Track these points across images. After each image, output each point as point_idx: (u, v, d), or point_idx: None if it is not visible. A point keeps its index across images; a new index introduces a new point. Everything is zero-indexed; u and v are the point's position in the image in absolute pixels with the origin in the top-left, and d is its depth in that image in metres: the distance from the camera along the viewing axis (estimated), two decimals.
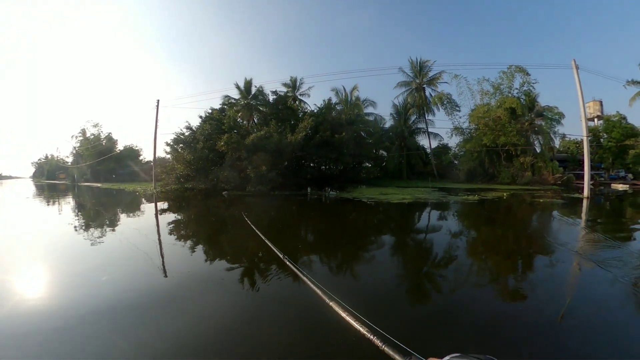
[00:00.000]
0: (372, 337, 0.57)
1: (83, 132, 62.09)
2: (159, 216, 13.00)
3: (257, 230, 5.81)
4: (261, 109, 29.01)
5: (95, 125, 61.13)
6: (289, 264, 3.12)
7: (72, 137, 63.91)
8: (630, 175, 43.59)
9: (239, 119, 28.69)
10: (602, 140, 46.43)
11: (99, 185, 45.23)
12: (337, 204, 16.86)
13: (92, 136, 60.32)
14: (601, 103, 57.65)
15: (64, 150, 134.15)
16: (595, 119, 54.20)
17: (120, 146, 60.45)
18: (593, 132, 42.95)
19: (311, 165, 28.41)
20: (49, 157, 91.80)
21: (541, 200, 18.35)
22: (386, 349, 0.51)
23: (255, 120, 30.10)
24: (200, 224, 11.22)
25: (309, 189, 23.63)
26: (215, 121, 26.24)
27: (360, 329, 0.65)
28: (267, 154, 21.82)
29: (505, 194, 21.50)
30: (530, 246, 7.43)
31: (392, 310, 3.78)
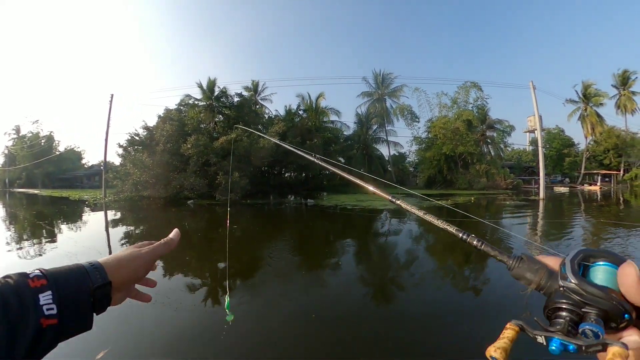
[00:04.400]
0: (464, 236, 0.50)
1: (17, 129, 55.61)
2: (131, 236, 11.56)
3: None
4: (225, 111, 27.53)
5: (34, 122, 54.51)
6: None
7: (4, 134, 56.98)
8: (567, 180, 50.80)
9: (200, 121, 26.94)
10: (544, 149, 52.42)
11: (36, 192, 40.49)
12: (333, 213, 16.12)
13: (30, 134, 53.89)
14: (540, 117, 64.28)
15: None
16: (535, 131, 60.16)
17: (61, 147, 54.68)
18: (535, 143, 47.91)
19: (281, 172, 27.58)
20: None
21: (507, 202, 19.73)
22: (485, 249, 0.44)
23: (215, 123, 28.49)
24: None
25: (292, 197, 23.00)
26: (176, 122, 24.33)
27: (448, 228, 0.53)
28: (237, 159, 20.65)
29: (472, 198, 22.81)
30: None
31: None
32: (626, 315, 0.35)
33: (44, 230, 11.34)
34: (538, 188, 24.53)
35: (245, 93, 32.06)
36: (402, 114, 41.78)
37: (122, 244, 9.05)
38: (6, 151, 57.22)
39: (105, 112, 29.27)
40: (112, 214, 16.45)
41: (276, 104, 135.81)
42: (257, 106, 34.70)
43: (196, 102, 27.51)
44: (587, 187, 40.59)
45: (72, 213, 17.52)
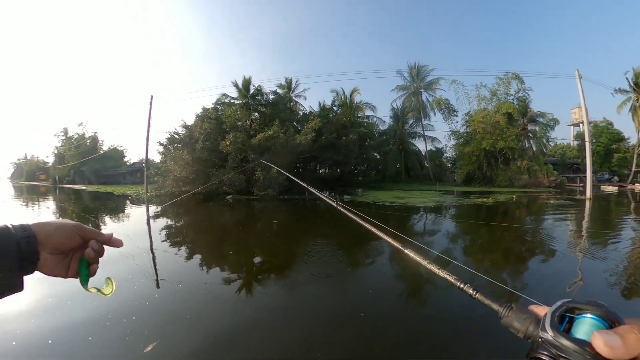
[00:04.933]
0: (462, 285, 0.52)
1: (65, 131, 59.40)
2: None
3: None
4: (261, 109, 27.82)
5: (80, 124, 58.23)
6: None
7: (54, 135, 61.23)
8: (615, 178, 46.16)
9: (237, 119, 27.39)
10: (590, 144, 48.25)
11: (83, 187, 42.81)
12: (372, 210, 15.44)
13: (76, 135, 57.48)
14: (587, 109, 59.76)
15: (45, 150, 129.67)
16: (581, 125, 56.03)
17: (105, 147, 57.79)
18: (581, 137, 44.45)
19: (315, 168, 27.49)
20: (29, 157, 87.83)
21: (551, 202, 18.53)
22: (479, 297, 0.46)
23: (252, 121, 28.82)
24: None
25: (326, 193, 22.75)
26: (214, 120, 24.84)
27: (448, 277, 0.56)
28: (274, 156, 20.71)
29: (514, 196, 21.64)
30: None
31: None
32: None
33: (93, 223, 11.75)
34: (584, 186, 22.39)
35: (279, 91, 32.27)
36: (439, 108, 39.99)
37: (163, 234, 9.18)
38: (56, 151, 61.58)
39: (146, 112, 30.35)
40: (153, 208, 16.95)
41: (310, 101, 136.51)
42: (291, 103, 34.75)
43: (232, 101, 27.98)
44: (638, 187, 36.68)
45: (116, 207, 18.16)
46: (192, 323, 3.54)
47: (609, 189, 34.04)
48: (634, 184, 40.05)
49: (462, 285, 0.55)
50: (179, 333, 3.28)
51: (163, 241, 8.22)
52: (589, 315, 0.39)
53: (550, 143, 42.90)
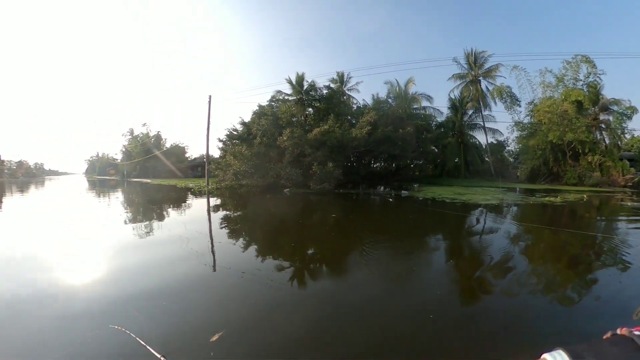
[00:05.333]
0: None
1: (131, 131, 65.22)
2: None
3: None
4: (315, 104, 28.01)
5: (144, 125, 64.76)
6: None
7: (122, 135, 67.51)
8: None
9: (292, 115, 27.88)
10: None
11: (148, 181, 46.20)
12: (433, 207, 14.76)
13: (141, 134, 62.90)
14: None
15: (114, 148, 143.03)
16: None
17: (167, 144, 62.72)
18: None
19: (369, 162, 27.14)
20: (100, 154, 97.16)
21: (629, 204, 16.34)
22: None
23: (306, 116, 29.14)
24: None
25: (381, 188, 22.54)
26: (270, 116, 25.51)
27: None
28: (330, 150, 20.75)
29: (585, 196, 19.47)
30: None
31: None
32: None
33: (157, 214, 12.53)
34: None
35: (332, 85, 32.21)
36: (500, 96, 36.67)
37: (225, 225, 9.48)
38: (124, 149, 67.78)
39: (205, 111, 31.86)
40: (219, 200, 17.66)
41: (363, 94, 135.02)
42: (344, 97, 34.54)
43: (287, 97, 28.45)
44: None
45: (181, 198, 19.16)
46: (258, 311, 3.56)
47: None
48: None
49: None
50: (247, 322, 3.29)
51: (231, 232, 8.48)
52: None
53: (625, 135, 36.88)
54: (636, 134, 43.78)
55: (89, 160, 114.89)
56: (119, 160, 74.24)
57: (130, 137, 65.40)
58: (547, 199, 17.46)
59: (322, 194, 19.69)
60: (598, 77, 32.94)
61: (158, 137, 63.04)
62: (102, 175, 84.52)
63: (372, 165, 28.95)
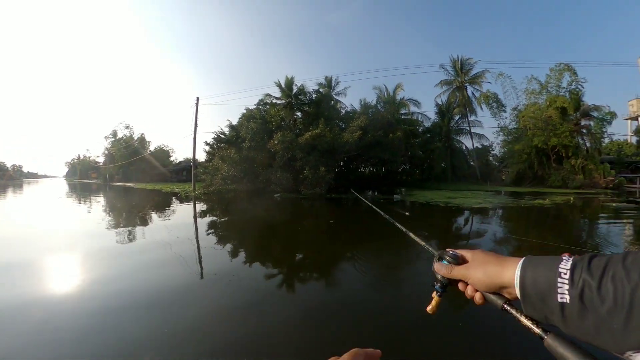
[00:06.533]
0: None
1: (114, 133, 63.22)
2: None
3: None
4: (304, 107, 27.80)
5: (127, 127, 62.32)
6: None
7: (104, 137, 65.22)
8: None
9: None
10: None
11: (132, 185, 44.93)
12: (428, 210, 14.90)
13: (125, 137, 61.09)
14: None
15: (96, 150, 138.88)
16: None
17: (151, 147, 61.21)
18: None
19: (359, 167, 27.09)
20: (82, 157, 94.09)
21: (613, 205, 16.79)
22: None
23: (295, 120, 28.90)
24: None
25: (369, 192, 22.48)
26: (259, 120, 25.11)
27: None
28: (321, 154, 20.57)
29: (571, 198, 20.00)
30: None
31: None
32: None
33: (139, 219, 12.00)
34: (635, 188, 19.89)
35: (321, 90, 32.09)
36: (487, 102, 37.58)
37: (212, 233, 9.16)
38: (106, 152, 65.54)
39: (191, 114, 31.24)
40: (205, 206, 17.08)
41: (350, 98, 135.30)
42: (332, 102, 34.46)
43: (275, 101, 28.15)
44: None
45: (165, 204, 18.39)
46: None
47: None
48: None
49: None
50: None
51: (222, 239, 8.18)
52: (446, 257, 0.68)
53: (604, 139, 38.58)
54: (614, 138, 45.78)
55: (69, 163, 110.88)
56: (101, 164, 71.93)
57: (113, 139, 63.29)
58: (536, 201, 17.75)
59: (314, 199, 19.46)
60: (580, 84, 34.24)
61: (142, 139, 61.41)
62: (84, 179, 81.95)
63: (360, 170, 28.94)
